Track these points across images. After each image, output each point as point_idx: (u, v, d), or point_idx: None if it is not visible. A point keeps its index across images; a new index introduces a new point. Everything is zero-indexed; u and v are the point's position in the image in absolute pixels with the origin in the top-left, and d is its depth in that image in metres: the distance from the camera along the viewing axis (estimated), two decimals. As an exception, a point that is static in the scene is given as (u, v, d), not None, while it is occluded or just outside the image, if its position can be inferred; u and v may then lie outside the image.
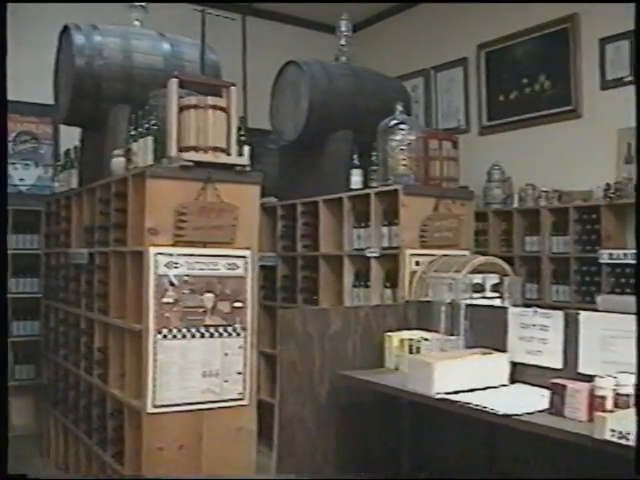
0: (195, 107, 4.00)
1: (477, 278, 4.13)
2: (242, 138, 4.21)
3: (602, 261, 5.46)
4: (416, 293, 4.43)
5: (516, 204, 6.25)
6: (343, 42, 6.00)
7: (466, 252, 4.82)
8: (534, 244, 6.05)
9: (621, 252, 5.35)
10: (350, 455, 3.14)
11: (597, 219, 5.60)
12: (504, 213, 6.34)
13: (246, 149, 4.22)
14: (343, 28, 6.04)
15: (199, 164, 3.94)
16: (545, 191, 6.02)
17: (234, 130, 4.10)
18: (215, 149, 4.02)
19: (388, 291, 4.83)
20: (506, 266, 4.44)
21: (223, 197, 4.03)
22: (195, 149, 3.97)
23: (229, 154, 4.07)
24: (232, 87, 4.13)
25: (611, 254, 5.39)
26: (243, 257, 4.13)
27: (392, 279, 4.80)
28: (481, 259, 4.41)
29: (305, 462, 3.04)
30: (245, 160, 4.16)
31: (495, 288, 4.12)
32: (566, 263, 5.77)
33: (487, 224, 6.37)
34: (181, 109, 3.96)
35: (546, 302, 5.78)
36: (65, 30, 4.94)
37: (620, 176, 5.72)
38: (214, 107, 4.04)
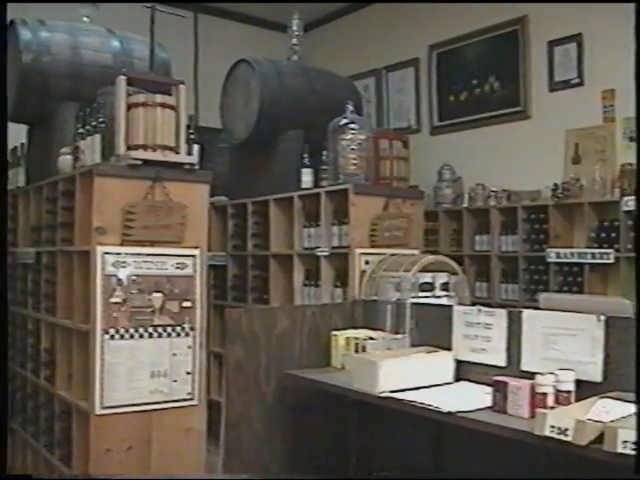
0: (144, 105, 3.97)
1: (426, 277, 4.16)
2: (191, 136, 4.18)
3: (550, 260, 5.54)
4: (366, 292, 4.44)
5: (466, 204, 6.31)
6: (295, 41, 6.01)
7: (416, 251, 4.85)
8: (484, 243, 6.11)
9: (568, 251, 5.43)
10: (298, 454, 3.14)
11: (545, 219, 5.68)
12: (454, 212, 6.39)
13: (195, 148, 4.20)
14: (295, 27, 6.04)
15: (147, 163, 3.91)
16: (494, 191, 6.08)
17: (183, 128, 4.08)
18: (164, 147, 3.99)
19: (338, 290, 4.85)
20: (455, 265, 4.48)
21: (172, 196, 4.00)
22: (143, 147, 3.94)
23: (178, 152, 4.05)
24: (181, 85, 4.11)
25: (558, 253, 5.47)
26: (192, 256, 4.11)
27: (342, 278, 4.82)
28: (430, 258, 4.43)
29: (252, 461, 3.03)
30: (194, 159, 4.14)
31: (444, 287, 4.16)
32: (515, 262, 5.84)
33: (437, 223, 6.41)
34: (129, 107, 3.93)
35: (495, 300, 5.85)
36: (11, 25, 4.86)
37: (567, 176, 5.81)
38: (163, 105, 4.01)
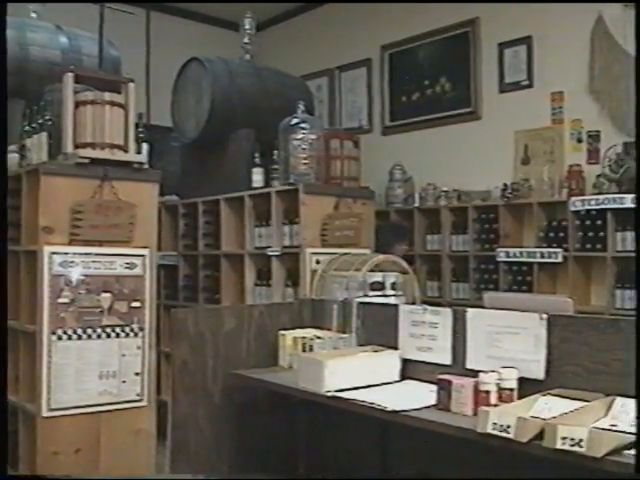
0: (92, 103, 3.94)
1: (377, 276, 4.18)
2: (141, 135, 4.16)
3: (499, 259, 5.60)
4: (317, 292, 4.45)
5: (417, 203, 6.34)
6: (247, 40, 5.99)
7: (367, 251, 4.87)
8: (434, 243, 6.15)
9: (517, 250, 5.50)
10: (245, 454, 3.13)
11: (495, 218, 5.74)
12: (405, 212, 6.42)
13: (144, 146, 4.18)
14: (247, 26, 6.02)
15: (95, 161, 3.88)
16: (445, 191, 6.13)
17: (132, 127, 4.06)
18: (112, 146, 3.97)
19: (290, 290, 4.85)
20: (405, 264, 4.50)
21: (120, 195, 3.98)
22: (91, 146, 3.91)
23: (127, 151, 4.03)
24: (130, 83, 4.09)
25: (508, 252, 5.54)
26: (141, 256, 4.09)
27: (294, 278, 4.82)
28: (380, 257, 4.45)
29: (199, 462, 3.02)
30: (143, 157, 4.12)
31: (395, 286, 4.18)
32: (465, 261, 5.89)
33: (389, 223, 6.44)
34: (77, 105, 3.90)
35: (446, 300, 5.89)
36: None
37: (517, 177, 5.88)
38: (111, 103, 3.99)
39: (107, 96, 3.97)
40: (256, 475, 3.09)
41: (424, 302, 4.24)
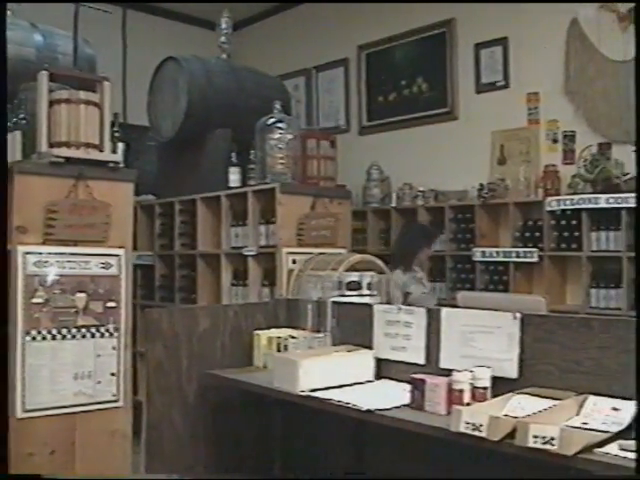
0: (67, 102, 3.92)
1: (353, 276, 4.18)
2: (116, 134, 4.14)
3: (476, 259, 5.63)
4: (293, 291, 4.45)
5: (394, 203, 6.35)
6: (224, 39, 5.97)
7: (343, 250, 4.88)
8: (411, 242, 6.16)
9: (494, 250, 5.53)
10: (220, 454, 3.13)
11: (471, 218, 5.76)
12: (382, 212, 6.43)
13: (120, 146, 4.15)
14: (224, 25, 6.01)
15: (70, 160, 3.86)
16: (422, 191, 6.14)
17: (107, 126, 4.04)
18: (87, 145, 3.94)
19: (266, 289, 4.84)
20: (382, 264, 4.52)
21: (95, 194, 3.96)
22: (66, 145, 3.88)
23: (102, 150, 4.01)
24: (106, 82, 4.07)
25: (484, 252, 5.56)
26: (117, 256, 4.07)
27: (270, 277, 4.82)
28: (357, 257, 4.46)
29: (174, 462, 3.01)
30: (119, 157, 4.10)
31: (371, 286, 4.18)
32: (442, 261, 5.91)
33: (366, 222, 6.44)
34: (52, 103, 3.87)
35: (422, 299, 5.91)
36: None
37: (493, 177, 5.91)
38: (87, 102, 3.97)
39: (82, 95, 3.95)
40: (231, 475, 3.08)
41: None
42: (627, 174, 5.11)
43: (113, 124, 4.11)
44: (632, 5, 5.30)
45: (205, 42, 6.94)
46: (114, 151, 4.08)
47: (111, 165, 4.04)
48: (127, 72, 7.38)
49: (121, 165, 4.12)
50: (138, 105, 6.25)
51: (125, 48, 7.53)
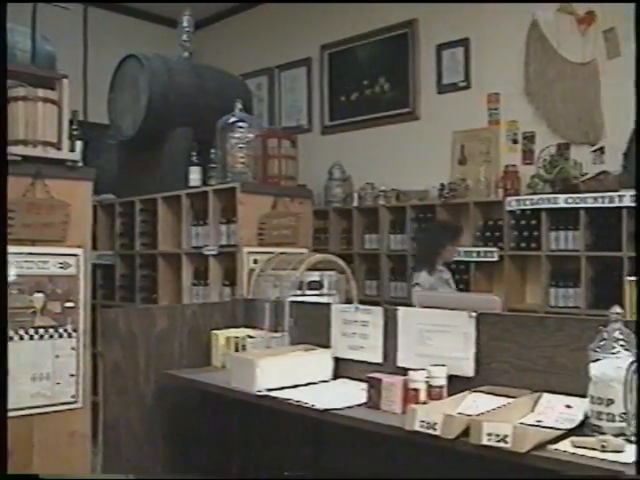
0: (24, 99, 3.86)
1: (314, 276, 4.18)
2: (75, 132, 4.09)
3: (437, 258, 5.65)
4: (254, 291, 4.44)
5: (356, 203, 6.36)
6: (185, 38, 5.93)
7: (304, 250, 4.88)
8: (373, 242, 6.18)
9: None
10: (179, 454, 3.11)
11: (432, 218, 5.79)
12: (344, 211, 6.45)
13: (79, 144, 4.10)
14: (185, 24, 5.97)
15: (27, 159, 3.81)
16: (384, 190, 6.17)
17: (66, 124, 3.99)
18: (45, 143, 3.89)
19: (227, 289, 4.83)
20: (342, 263, 4.52)
21: (53, 193, 3.91)
22: (23, 143, 3.83)
23: (60, 149, 3.95)
24: (64, 79, 4.02)
25: (444, 252, 5.59)
26: (75, 255, 4.03)
27: (231, 277, 4.80)
28: (318, 257, 4.46)
29: (132, 463, 2.98)
30: (77, 155, 4.05)
31: (332, 285, 4.19)
32: (403, 260, 5.94)
33: (328, 222, 6.46)
34: (9, 101, 3.81)
35: (384, 298, 5.93)
36: None
37: (454, 176, 5.95)
38: (45, 100, 3.91)
39: (40, 92, 3.90)
40: (188, 475, 3.07)
41: (362, 301, 4.26)
42: (585, 174, 5.18)
43: (72, 122, 4.06)
44: (590, 8, 5.37)
45: (167, 40, 6.90)
46: (72, 149, 4.03)
47: (69, 164, 3.99)
48: (88, 70, 7.31)
49: (80, 164, 4.07)
50: (99, 103, 6.19)
51: (86, 45, 7.46)
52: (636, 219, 2.07)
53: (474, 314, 2.43)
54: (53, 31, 4.97)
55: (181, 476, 3.06)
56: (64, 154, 3.97)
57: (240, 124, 4.86)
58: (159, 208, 5.39)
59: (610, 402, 1.89)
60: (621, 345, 1.91)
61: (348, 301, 4.07)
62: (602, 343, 1.94)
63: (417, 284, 5.01)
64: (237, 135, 4.82)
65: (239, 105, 4.93)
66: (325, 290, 4.14)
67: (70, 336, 3.97)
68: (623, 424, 1.85)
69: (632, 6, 4.92)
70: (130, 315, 3.02)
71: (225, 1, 7.76)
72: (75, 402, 3.98)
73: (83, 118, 6.45)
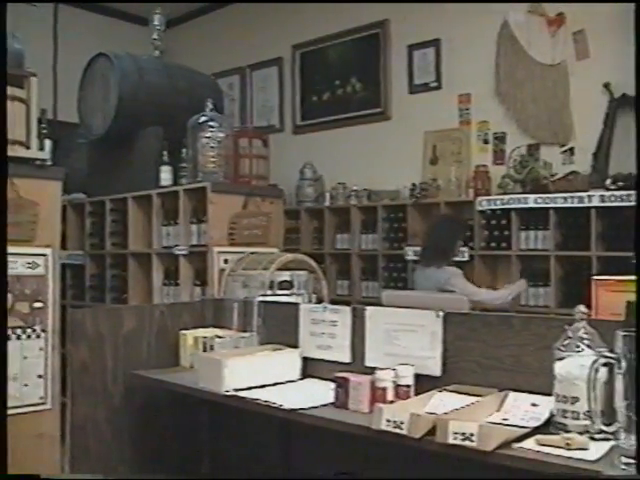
0: (-9, 97, 3.82)
1: (285, 275, 4.17)
2: (43, 131, 4.06)
3: (408, 258, 5.68)
4: (225, 291, 4.42)
5: (327, 202, 6.38)
6: (156, 36, 5.89)
7: (275, 250, 4.87)
8: (344, 241, 6.20)
9: (425, 249, 5.57)
10: (147, 455, 3.09)
11: (403, 217, 5.82)
12: (316, 211, 6.45)
13: (48, 143, 4.07)
14: (156, 22, 5.93)
15: (-5, 158, 3.76)
16: (355, 190, 6.18)
17: (34, 123, 3.95)
18: (13, 142, 3.84)
19: (198, 289, 4.81)
20: (313, 263, 4.51)
21: (22, 193, 3.87)
22: (-9, 141, 3.79)
23: (28, 148, 3.92)
24: (33, 77, 3.99)
25: (416, 251, 5.60)
26: (44, 255, 3.99)
27: (202, 277, 4.78)
28: (289, 256, 4.45)
29: (100, 464, 2.96)
30: (46, 154, 4.02)
31: (303, 285, 4.18)
32: (375, 260, 5.96)
33: (299, 222, 6.46)
34: (-26, 99, 3.77)
35: (356, 298, 5.95)
36: None
37: (425, 176, 5.98)
38: (12, 98, 3.87)
39: (8, 90, 3.85)
40: (157, 475, 3.05)
41: (334, 301, 4.27)
42: (555, 175, 5.22)
43: (40, 121, 4.03)
44: (560, 10, 5.42)
45: (137, 38, 6.86)
46: (41, 148, 4.00)
47: (38, 163, 3.96)
48: (58, 68, 7.26)
49: (49, 163, 4.04)
50: (69, 102, 6.15)
51: (56, 43, 7.40)
52: (636, 219, 2.07)
53: (441, 313, 2.43)
54: (22, 29, 4.92)
55: (150, 476, 3.05)
56: (33, 153, 3.93)
57: (211, 123, 4.83)
58: (129, 208, 5.35)
59: (575, 400, 1.90)
60: (586, 344, 1.92)
61: (319, 301, 4.06)
62: (567, 342, 1.95)
63: (451, 277, 4.90)
64: (208, 135, 4.80)
65: (210, 104, 4.91)
66: (296, 290, 4.13)
67: (39, 337, 3.94)
68: (587, 422, 1.86)
69: (602, 8, 5.02)
70: (98, 315, 3.00)
71: (197, 1, 7.73)
72: (44, 403, 3.95)
73: (53, 117, 6.43)
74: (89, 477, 2.99)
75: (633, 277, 2.35)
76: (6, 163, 2.96)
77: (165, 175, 5.14)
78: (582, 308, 1.97)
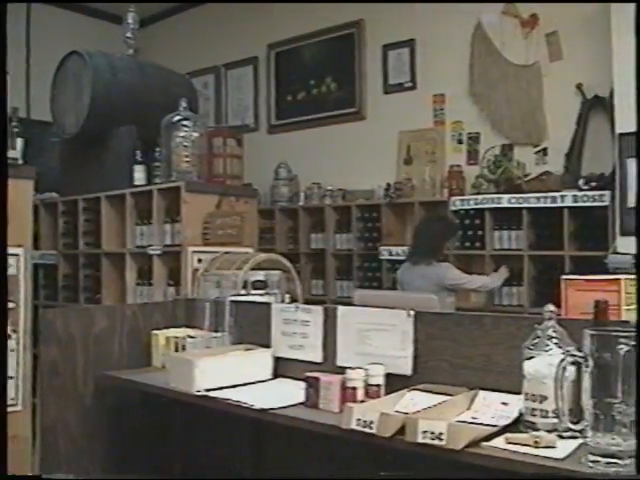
0: (-39, 96, 3.78)
1: (259, 275, 4.16)
2: (15, 130, 4.02)
3: (382, 257, 5.70)
4: (198, 291, 4.40)
5: (302, 202, 6.38)
6: (130, 35, 5.85)
7: (250, 249, 4.85)
8: (319, 241, 6.20)
9: (400, 249, 5.59)
10: (119, 456, 3.07)
11: (378, 217, 5.84)
12: (290, 211, 6.45)
13: (19, 141, 4.03)
14: (130, 20, 5.88)
15: (-36, 157, 3.72)
16: (330, 190, 6.19)
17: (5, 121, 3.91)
18: (-17, 141, 3.81)
19: (171, 289, 4.78)
20: (287, 263, 4.50)
21: (-9, 191, 3.83)
22: (-40, 140, 3.75)
23: (-1, 146, 3.88)
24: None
25: (390, 250, 5.63)
26: (15, 255, 3.95)
27: (175, 277, 4.76)
28: (262, 256, 4.44)
29: (71, 465, 2.94)
30: (17, 153, 3.98)
31: (277, 284, 4.17)
32: (349, 259, 5.97)
33: (274, 222, 6.46)
34: (-55, 98, 3.73)
35: (330, 297, 5.95)
36: None
37: (399, 176, 6.00)
38: (-18, 96, 3.83)
39: (-25, 89, 3.82)
40: (129, 475, 3.03)
41: (308, 301, 4.25)
42: (528, 175, 5.26)
43: (11, 119, 3.99)
44: (533, 11, 5.46)
45: (111, 37, 6.81)
46: (12, 147, 3.96)
47: (9, 162, 3.92)
48: (31, 66, 7.20)
49: (20, 162, 4.00)
50: (42, 100, 6.09)
51: (28, 41, 7.34)
52: (636, 219, 2.08)
53: (412, 313, 2.44)
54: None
55: (122, 476, 3.03)
56: (3, 152, 3.89)
57: (185, 123, 4.81)
58: (103, 207, 5.31)
59: (543, 399, 1.91)
60: (554, 343, 1.93)
61: (293, 300, 4.06)
62: (536, 341, 1.96)
63: (448, 268, 4.96)
64: (182, 134, 4.77)
65: (184, 103, 4.89)
66: (269, 290, 4.12)
67: (9, 337, 3.90)
68: (556, 420, 1.87)
69: (575, 9, 5.06)
70: (68, 315, 2.97)
71: (171, 1, 7.70)
72: (15, 405, 3.91)
73: (25, 115, 6.37)
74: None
75: (601, 277, 2.38)
76: (6, 163, 2.93)
77: (139, 174, 5.11)
78: (551, 307, 1.98)
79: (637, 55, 1.73)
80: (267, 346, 2.84)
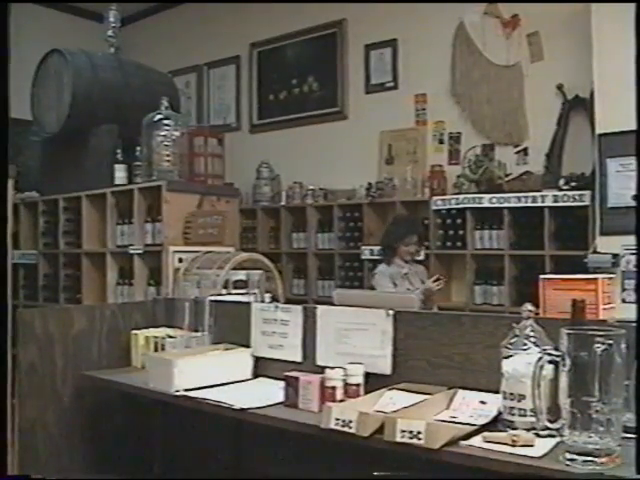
0: (-61, 94, 3.74)
1: (240, 275, 4.15)
2: (-6, 128, 3.99)
3: (364, 257, 5.69)
4: (179, 290, 4.39)
5: (284, 202, 6.37)
6: (111, 33, 5.82)
7: (231, 249, 4.84)
8: (301, 241, 6.19)
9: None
10: (98, 456, 3.06)
11: (360, 217, 5.84)
12: (272, 210, 6.44)
13: (-2, 140, 4.00)
14: (112, 19, 5.86)
15: (-59, 156, 3.69)
16: (312, 189, 6.18)
17: (-17, 120, 3.88)
18: (-40, 140, 3.78)
19: (152, 288, 4.77)
20: (268, 262, 4.50)
21: (-30, 191, 3.80)
22: (-62, 139, 3.71)
23: (-23, 145, 3.85)
24: (-18, 74, 3.91)
25: (372, 250, 5.62)
26: (-6, 254, 3.92)
27: (156, 276, 4.75)
28: (244, 256, 4.43)
29: (50, 466, 2.92)
30: (-4, 152, 3.95)
31: (258, 284, 4.17)
32: (331, 259, 5.96)
33: (256, 221, 6.44)
34: None
35: (312, 297, 5.95)
36: None
37: (381, 176, 6.00)
38: (-40, 95, 3.80)
39: (-45, 87, 3.79)
40: (108, 475, 3.01)
41: (290, 300, 4.25)
42: (509, 175, 5.27)
43: (-10, 118, 3.96)
44: (515, 12, 5.47)
45: (92, 35, 6.76)
46: (-9, 146, 3.93)
47: (-14, 161, 3.89)
48: (11, 64, 7.13)
49: (-1, 160, 3.97)
50: (22, 98, 6.03)
51: (7, 37, 7.27)
52: (636, 219, 2.08)
53: (391, 312, 2.44)
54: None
55: (101, 476, 3.01)
56: (-18, 150, 3.86)
57: (166, 122, 4.79)
58: (83, 206, 5.29)
59: (521, 397, 1.92)
60: (532, 342, 1.94)
61: (274, 300, 4.05)
62: (514, 340, 1.97)
63: (375, 273, 4.97)
64: (163, 133, 4.76)
65: (165, 102, 4.87)
66: (251, 289, 4.11)
67: (-12, 337, 3.87)
68: (534, 419, 1.88)
69: (556, 9, 5.08)
70: (47, 315, 2.95)
71: (152, 0, 7.67)
72: (-8, 406, 3.88)
73: (5, 114, 6.31)
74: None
75: (579, 276, 2.39)
76: (6, 163, 2.90)
77: (119, 174, 5.09)
78: (529, 306, 1.99)
79: (637, 55, 1.74)
80: (247, 346, 2.83)
